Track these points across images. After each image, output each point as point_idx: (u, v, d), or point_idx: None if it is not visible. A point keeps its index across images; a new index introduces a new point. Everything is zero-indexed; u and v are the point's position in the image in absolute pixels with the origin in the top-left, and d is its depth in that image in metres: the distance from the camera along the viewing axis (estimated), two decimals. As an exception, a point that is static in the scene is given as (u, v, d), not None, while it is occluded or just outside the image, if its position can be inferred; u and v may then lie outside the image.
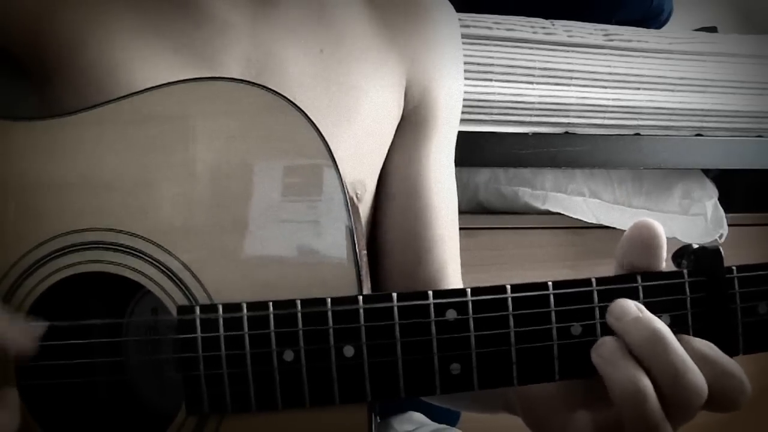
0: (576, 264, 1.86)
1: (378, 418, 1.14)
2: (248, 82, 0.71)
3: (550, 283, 0.65)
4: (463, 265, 1.07)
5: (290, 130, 0.69)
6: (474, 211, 1.87)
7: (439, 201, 1.04)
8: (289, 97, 0.70)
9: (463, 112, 1.10)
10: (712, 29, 2.40)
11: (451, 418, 1.27)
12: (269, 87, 0.71)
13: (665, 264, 0.66)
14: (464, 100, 1.11)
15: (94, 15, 0.88)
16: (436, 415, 1.21)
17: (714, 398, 0.61)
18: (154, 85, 0.72)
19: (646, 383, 0.60)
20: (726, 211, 2.00)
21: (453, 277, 1.05)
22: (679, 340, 0.62)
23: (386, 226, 1.04)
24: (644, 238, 0.65)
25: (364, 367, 0.65)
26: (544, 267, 1.85)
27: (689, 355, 0.61)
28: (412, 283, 1.02)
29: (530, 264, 1.84)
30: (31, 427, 0.70)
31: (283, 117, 0.69)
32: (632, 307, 0.63)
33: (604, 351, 0.62)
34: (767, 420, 1.91)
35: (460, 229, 1.08)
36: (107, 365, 0.74)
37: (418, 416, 1.20)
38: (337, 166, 0.69)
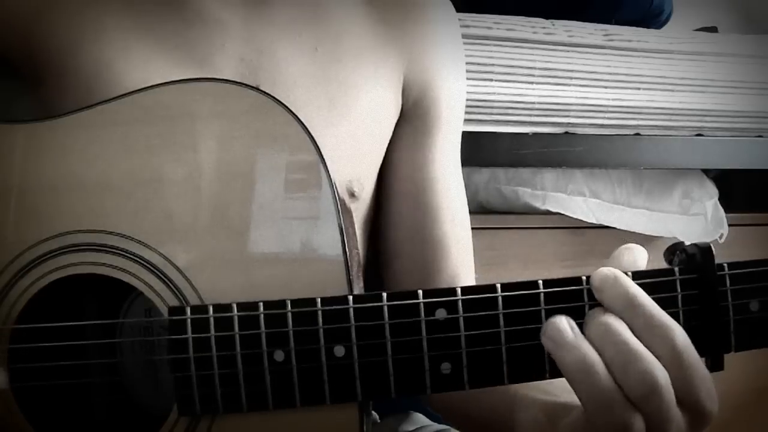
0: (576, 264, 1.86)
1: (378, 417, 1.15)
2: (238, 83, 0.70)
3: (540, 282, 0.64)
4: (462, 264, 1.07)
5: (280, 130, 0.69)
6: (474, 211, 1.84)
7: (448, 201, 1.04)
8: (286, 97, 0.70)
9: (463, 112, 1.10)
10: (713, 29, 2.40)
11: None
12: (259, 87, 0.71)
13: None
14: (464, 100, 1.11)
15: (86, 16, 0.88)
16: (436, 415, 1.20)
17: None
18: (146, 85, 0.72)
19: (594, 357, 0.60)
20: (726, 211, 2.00)
21: (467, 280, 1.05)
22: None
23: (393, 227, 1.03)
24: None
25: (354, 367, 0.64)
26: (544, 267, 1.84)
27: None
28: (425, 285, 1.01)
29: (530, 264, 1.84)
30: (25, 429, 0.70)
31: (272, 117, 0.69)
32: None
33: (553, 333, 0.62)
34: (767, 420, 1.91)
35: (461, 228, 1.08)
36: (101, 366, 0.74)
37: (419, 416, 1.20)
38: (326, 165, 0.69)
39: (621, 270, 0.64)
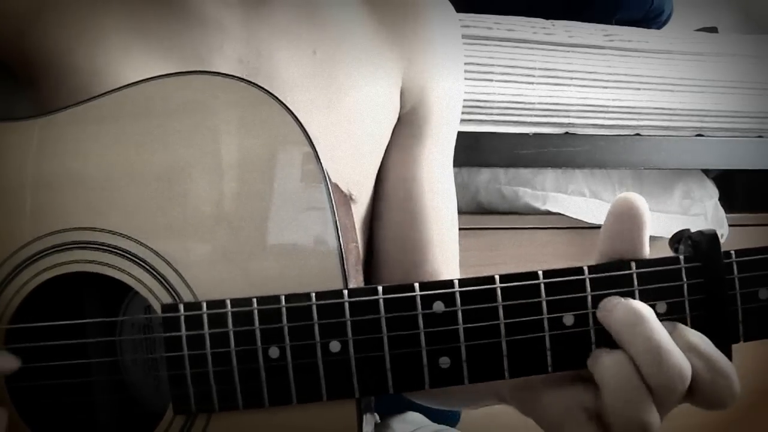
0: (576, 264, 1.85)
1: (378, 418, 1.14)
2: (230, 76, 0.70)
3: (540, 272, 0.63)
4: (462, 265, 1.07)
5: (272, 122, 0.68)
6: (474, 211, 1.86)
7: (434, 202, 1.03)
8: (284, 98, 0.70)
9: (463, 112, 1.10)
10: (713, 29, 2.41)
11: (450, 419, 1.26)
12: (251, 81, 0.70)
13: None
14: (464, 100, 1.10)
15: (83, 16, 0.87)
16: (435, 415, 1.20)
17: (702, 393, 0.60)
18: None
19: (629, 367, 0.60)
20: (726, 211, 2.00)
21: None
22: (672, 329, 0.61)
23: (383, 228, 1.03)
24: (628, 210, 0.63)
25: (350, 363, 0.63)
26: (544, 267, 1.84)
27: (680, 345, 0.60)
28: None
29: (530, 264, 1.82)
30: (21, 429, 0.69)
31: (264, 110, 0.68)
32: (618, 297, 0.62)
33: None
34: (767, 420, 1.90)
35: (460, 229, 1.08)
36: (98, 365, 0.73)
37: (418, 417, 1.19)
38: (319, 156, 0.68)
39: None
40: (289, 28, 0.93)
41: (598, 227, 1.78)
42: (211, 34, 0.89)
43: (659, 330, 0.60)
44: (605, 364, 0.60)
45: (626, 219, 0.63)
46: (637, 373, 0.59)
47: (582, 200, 1.88)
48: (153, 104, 0.70)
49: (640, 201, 0.63)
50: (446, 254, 1.05)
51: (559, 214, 1.86)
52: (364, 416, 0.67)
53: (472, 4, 1.81)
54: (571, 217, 1.86)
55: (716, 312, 0.63)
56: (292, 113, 0.68)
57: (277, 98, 0.69)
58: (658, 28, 2.26)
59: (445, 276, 1.03)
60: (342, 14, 0.97)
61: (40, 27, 0.87)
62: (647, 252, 0.64)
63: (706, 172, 2.05)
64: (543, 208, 1.86)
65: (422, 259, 1.02)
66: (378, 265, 1.04)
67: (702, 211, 1.97)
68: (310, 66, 0.92)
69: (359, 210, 0.99)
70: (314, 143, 0.68)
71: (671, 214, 1.96)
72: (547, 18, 1.90)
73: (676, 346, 0.59)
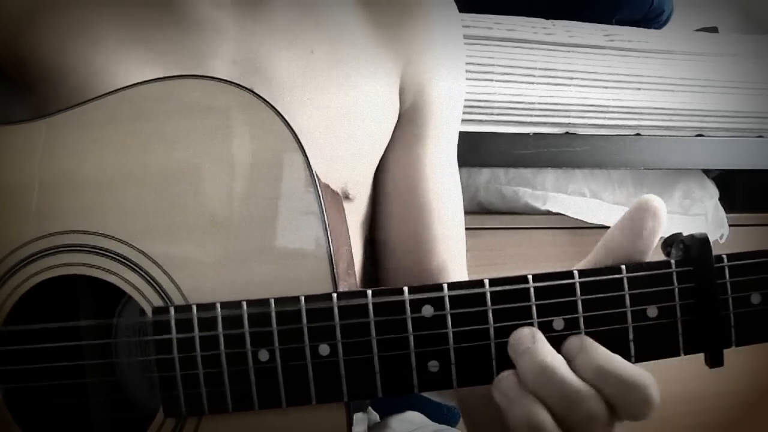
0: (576, 264, 1.85)
1: (378, 417, 1.14)
2: (222, 80, 0.70)
3: (530, 276, 0.63)
4: (463, 265, 1.07)
5: (263, 126, 0.68)
6: (474, 211, 1.86)
7: (437, 201, 1.03)
8: (282, 98, 0.70)
9: (463, 112, 1.10)
10: (713, 29, 2.40)
11: (450, 419, 1.26)
12: (255, 90, 0.69)
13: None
14: (464, 100, 1.10)
15: (79, 18, 0.87)
16: (435, 415, 1.20)
17: (621, 411, 0.60)
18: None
19: (543, 417, 0.60)
20: (727, 211, 2.00)
21: (455, 277, 1.04)
22: (578, 351, 0.61)
23: (386, 227, 1.03)
24: (652, 208, 0.62)
25: (339, 366, 0.63)
26: (544, 267, 1.82)
27: (586, 371, 0.61)
28: (414, 284, 1.01)
29: (530, 264, 1.83)
30: (15, 431, 0.70)
31: (256, 114, 0.68)
32: (526, 338, 0.62)
33: (502, 386, 0.62)
34: (767, 420, 1.90)
35: (461, 229, 1.08)
36: (91, 367, 0.73)
37: (418, 416, 1.19)
38: (308, 159, 0.68)
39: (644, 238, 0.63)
40: (286, 28, 0.92)
41: (599, 227, 1.78)
42: (208, 35, 0.89)
43: (568, 378, 0.60)
44: (518, 415, 0.61)
45: (644, 215, 0.63)
46: (552, 419, 0.60)
47: (582, 200, 1.88)
48: (148, 107, 0.69)
49: (661, 204, 0.63)
50: (451, 251, 1.05)
51: (560, 214, 1.85)
52: (354, 416, 0.67)
53: (472, 4, 1.81)
54: (572, 217, 1.86)
55: (708, 317, 0.62)
56: (283, 117, 0.68)
57: (267, 102, 0.68)
58: (658, 28, 2.25)
59: (452, 270, 1.04)
60: (339, 14, 0.97)
61: (36, 29, 0.87)
62: (649, 254, 0.64)
63: (706, 172, 2.04)
64: (543, 208, 1.86)
65: (427, 255, 1.03)
66: (384, 265, 1.05)
67: (702, 211, 1.97)
68: (308, 66, 0.92)
69: (358, 208, 0.99)
70: (304, 147, 0.68)
71: (671, 214, 1.95)
72: (547, 18, 1.90)
73: (587, 390, 0.60)
